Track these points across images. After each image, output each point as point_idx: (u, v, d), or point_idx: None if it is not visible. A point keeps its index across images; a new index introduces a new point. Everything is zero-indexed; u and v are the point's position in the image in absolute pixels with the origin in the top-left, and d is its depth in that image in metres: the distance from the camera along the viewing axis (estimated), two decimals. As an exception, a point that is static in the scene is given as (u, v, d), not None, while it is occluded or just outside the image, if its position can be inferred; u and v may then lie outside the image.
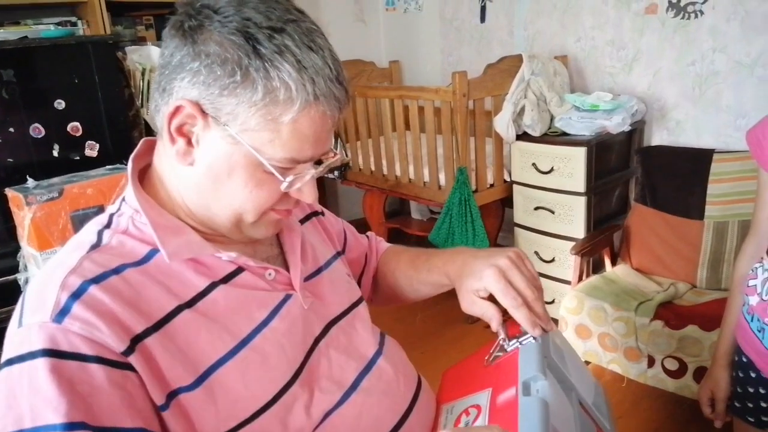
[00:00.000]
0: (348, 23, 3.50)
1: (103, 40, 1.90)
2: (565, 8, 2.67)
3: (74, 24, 2.36)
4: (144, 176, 0.71)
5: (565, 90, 2.54)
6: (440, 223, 2.54)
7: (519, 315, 0.73)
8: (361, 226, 3.29)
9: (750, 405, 1.18)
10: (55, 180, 1.56)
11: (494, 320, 0.76)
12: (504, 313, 0.76)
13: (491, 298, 0.77)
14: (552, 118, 2.45)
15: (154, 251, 0.65)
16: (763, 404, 1.15)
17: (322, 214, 0.93)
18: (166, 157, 0.67)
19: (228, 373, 0.63)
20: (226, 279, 0.68)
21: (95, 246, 0.65)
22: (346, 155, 3.00)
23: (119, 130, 1.88)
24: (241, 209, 0.66)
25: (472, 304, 0.78)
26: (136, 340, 0.59)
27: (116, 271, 0.62)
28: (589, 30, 2.60)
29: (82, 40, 1.99)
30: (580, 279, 2.17)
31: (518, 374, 0.67)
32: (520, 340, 0.74)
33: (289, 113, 0.60)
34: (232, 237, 0.70)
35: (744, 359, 1.17)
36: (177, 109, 0.61)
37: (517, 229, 2.56)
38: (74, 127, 1.81)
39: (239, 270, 0.69)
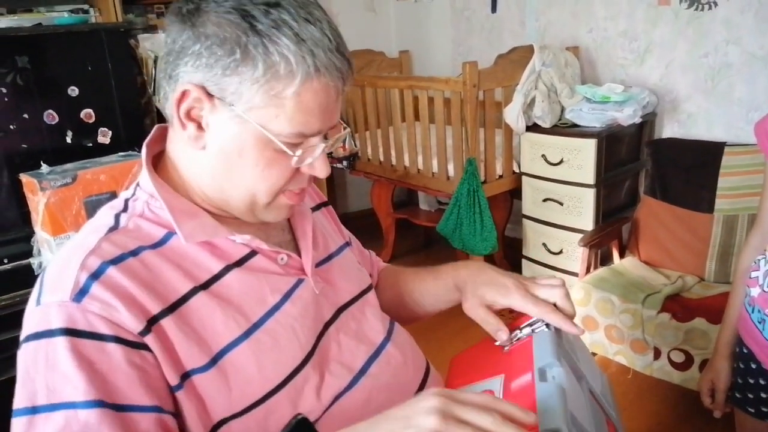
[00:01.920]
0: (358, 13, 3.49)
1: (116, 28, 1.90)
2: (577, -1, 2.65)
3: (86, 11, 2.37)
4: (158, 162, 0.72)
5: (576, 81, 2.53)
6: (448, 214, 2.55)
7: (554, 319, 0.75)
8: (369, 216, 3.31)
9: (750, 396, 1.19)
10: (69, 166, 1.57)
11: (502, 332, 0.78)
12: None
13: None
14: (563, 110, 2.44)
15: (170, 234, 0.67)
16: (764, 395, 1.16)
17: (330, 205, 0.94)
18: (178, 143, 0.68)
19: (241, 354, 0.64)
20: (240, 262, 0.69)
21: (113, 228, 0.66)
22: (355, 145, 3.01)
23: (132, 118, 1.89)
24: (254, 189, 0.66)
25: (485, 315, 0.80)
26: (152, 321, 0.60)
27: (134, 253, 0.64)
28: (602, 21, 2.58)
29: (95, 27, 1.99)
30: (588, 271, 2.17)
31: (533, 361, 0.67)
32: (533, 327, 0.75)
33: (291, 87, 0.60)
34: (245, 220, 0.71)
35: (745, 350, 1.18)
36: (183, 94, 0.62)
37: (525, 221, 2.57)
38: (87, 114, 1.83)
39: (253, 253, 0.70)
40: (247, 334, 0.66)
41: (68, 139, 1.81)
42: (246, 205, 0.68)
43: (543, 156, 2.39)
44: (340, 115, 0.68)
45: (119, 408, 0.57)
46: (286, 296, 0.70)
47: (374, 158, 2.97)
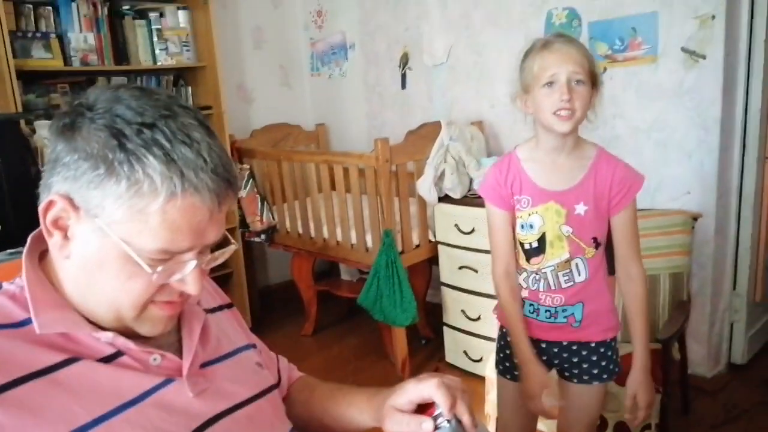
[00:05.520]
0: (275, 88, 3.55)
1: (7, 119, 1.83)
2: (479, 77, 2.83)
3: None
4: (45, 255, 0.72)
5: (482, 154, 2.66)
6: (368, 286, 2.55)
7: (460, 409, 0.73)
8: (290, 288, 3.26)
9: (508, 365, 1.49)
10: (-50, 266, 1.45)
11: (426, 422, 0.74)
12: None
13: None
14: (471, 181, 2.54)
15: (30, 320, 0.66)
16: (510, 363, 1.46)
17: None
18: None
19: None
20: (105, 361, 0.67)
21: None
22: (273, 218, 2.99)
23: (25, 211, 1.79)
24: (117, 302, 0.66)
25: (400, 418, 0.76)
26: None
27: None
28: (502, 97, 2.75)
29: (-15, 115, 1.91)
30: (504, 338, 2.20)
31: None
32: (436, 423, 0.75)
33: (154, 204, 0.61)
34: (120, 331, 0.69)
35: (505, 331, 1.46)
36: (50, 204, 0.64)
37: (444, 288, 2.61)
38: (-26, 207, 1.72)
39: (119, 353, 0.68)
40: (82, 429, 0.62)
41: (-48, 235, 1.68)
42: (112, 317, 0.68)
43: (456, 225, 2.46)
44: (222, 232, 0.68)
45: None
46: (145, 395, 0.68)
47: (293, 230, 2.95)
